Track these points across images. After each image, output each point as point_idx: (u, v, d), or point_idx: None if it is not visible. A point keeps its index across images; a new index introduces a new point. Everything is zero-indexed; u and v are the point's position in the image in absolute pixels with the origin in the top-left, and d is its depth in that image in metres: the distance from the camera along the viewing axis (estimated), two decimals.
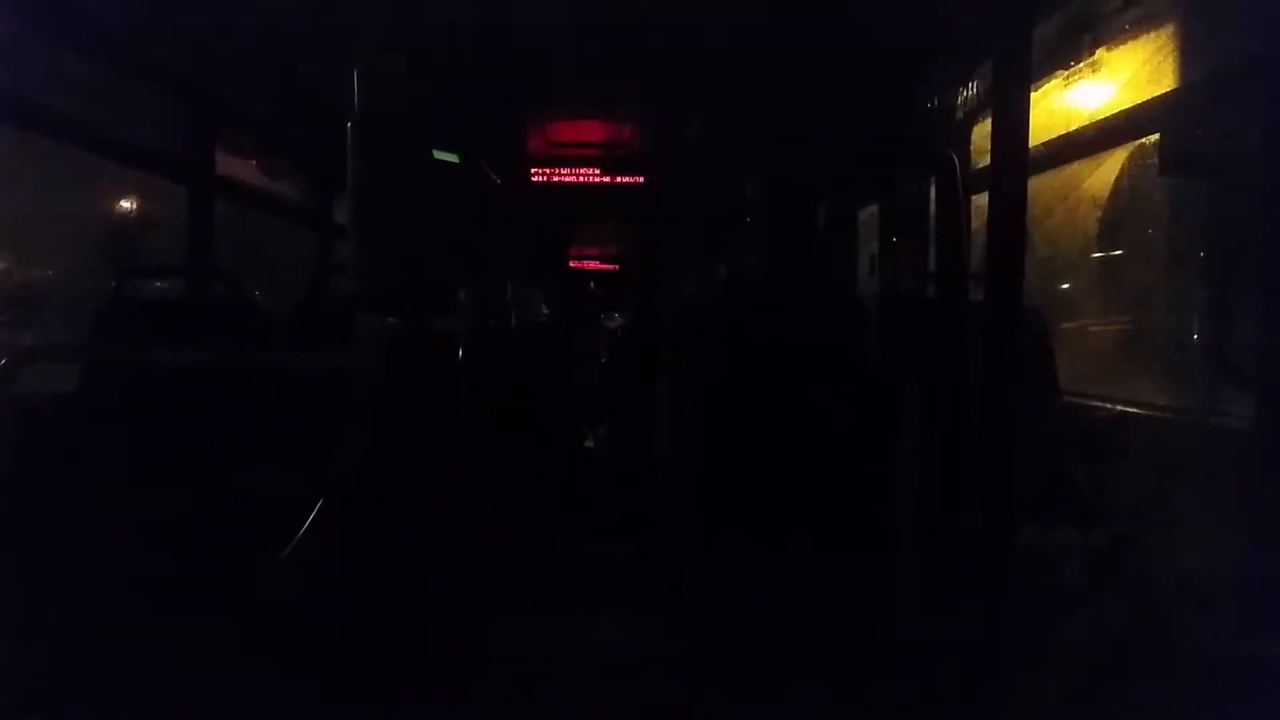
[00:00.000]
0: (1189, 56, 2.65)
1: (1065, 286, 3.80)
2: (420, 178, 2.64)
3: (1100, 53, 3.03)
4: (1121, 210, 3.32)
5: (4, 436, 2.45)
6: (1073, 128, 3.09)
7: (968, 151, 3.52)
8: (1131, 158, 3.16)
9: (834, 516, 2.84)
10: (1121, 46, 2.97)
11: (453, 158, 2.87)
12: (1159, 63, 2.77)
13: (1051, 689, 2.26)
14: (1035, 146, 2.51)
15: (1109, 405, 2.86)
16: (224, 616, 2.51)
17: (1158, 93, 2.72)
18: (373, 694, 2.55)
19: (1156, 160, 2.80)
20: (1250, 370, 2.25)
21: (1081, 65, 3.10)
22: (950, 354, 2.75)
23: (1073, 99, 3.19)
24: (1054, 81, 3.21)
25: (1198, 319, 2.73)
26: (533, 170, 5.95)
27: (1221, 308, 2.58)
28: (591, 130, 5.62)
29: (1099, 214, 3.45)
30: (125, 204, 5.60)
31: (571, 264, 10.68)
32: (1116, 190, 3.31)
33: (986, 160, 2.44)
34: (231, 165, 4.64)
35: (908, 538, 2.76)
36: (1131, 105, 2.81)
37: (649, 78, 4.40)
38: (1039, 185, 3.17)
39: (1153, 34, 2.81)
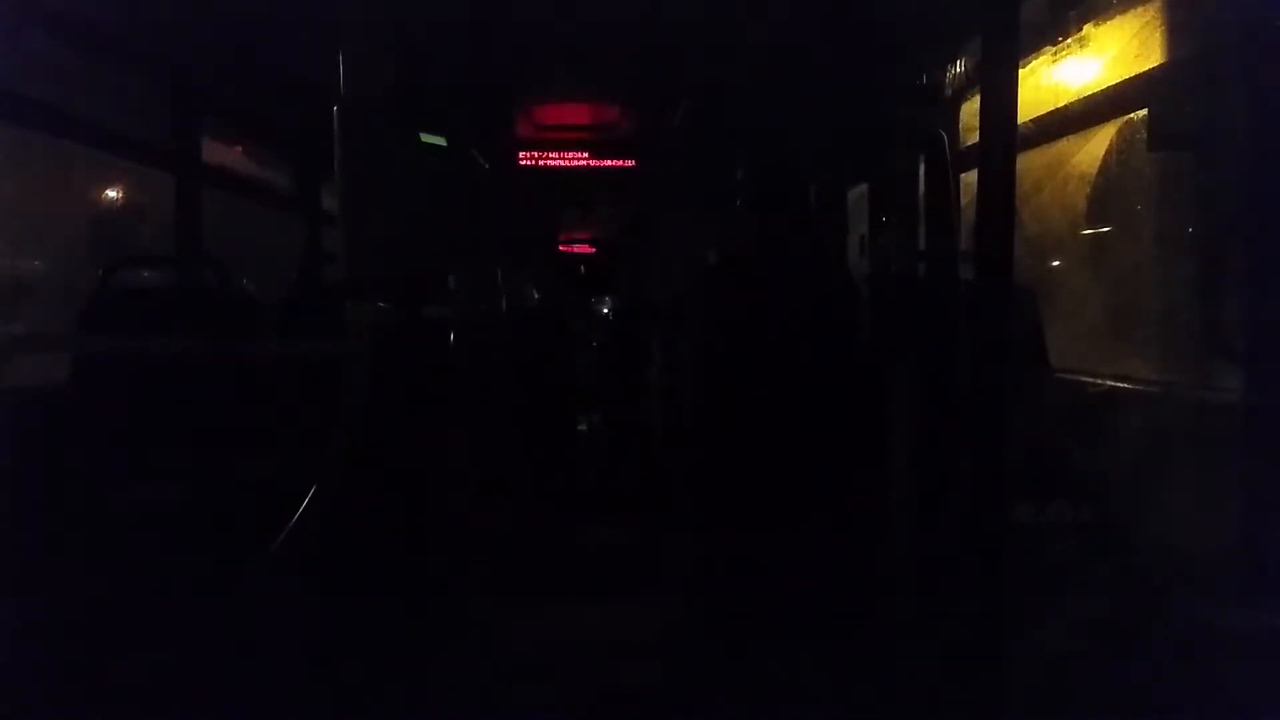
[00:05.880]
0: (1178, 31, 2.65)
1: (1055, 263, 3.81)
2: (408, 161, 2.62)
3: (1089, 28, 3.03)
4: (1110, 186, 3.32)
5: None
6: (1062, 104, 3.09)
7: (956, 130, 3.52)
8: (1120, 133, 3.16)
9: (829, 499, 2.85)
10: (1110, 21, 2.97)
11: (440, 141, 2.86)
12: (1147, 37, 2.77)
13: (1050, 668, 2.27)
14: (1024, 123, 2.51)
15: (1099, 381, 2.87)
16: (216, 605, 2.51)
17: (1146, 68, 2.71)
18: (368, 682, 2.55)
19: (1145, 136, 2.80)
20: (1237, 344, 2.26)
21: (1070, 41, 3.09)
22: (942, 332, 2.75)
23: (1061, 75, 3.19)
24: (1042, 58, 3.20)
25: (1186, 294, 2.74)
26: (521, 154, 5.92)
27: (1210, 283, 2.59)
28: (580, 113, 5.58)
29: (1087, 190, 3.45)
30: (111, 193, 5.56)
31: (561, 248, 10.64)
32: (1105, 166, 3.31)
33: (975, 138, 2.43)
34: (218, 153, 4.61)
35: (904, 519, 2.76)
36: (1120, 80, 2.81)
37: (637, 60, 4.38)
38: (1028, 162, 3.17)
39: (1141, 8, 2.81)
